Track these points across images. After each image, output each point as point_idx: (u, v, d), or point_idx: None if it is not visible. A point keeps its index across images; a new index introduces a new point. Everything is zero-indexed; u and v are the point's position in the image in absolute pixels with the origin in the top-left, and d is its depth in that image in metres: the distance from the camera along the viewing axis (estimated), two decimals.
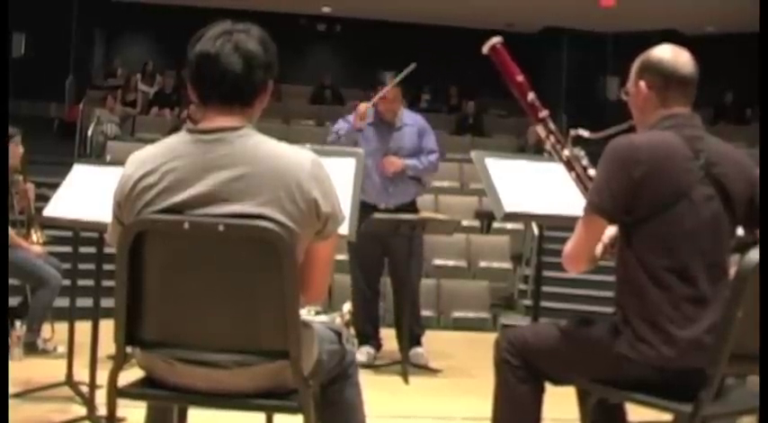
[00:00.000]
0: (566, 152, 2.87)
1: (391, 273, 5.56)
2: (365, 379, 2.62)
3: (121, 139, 12.13)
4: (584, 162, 2.84)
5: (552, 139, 2.92)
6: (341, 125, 5.43)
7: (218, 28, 2.20)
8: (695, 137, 2.49)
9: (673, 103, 2.54)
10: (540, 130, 2.97)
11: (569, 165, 2.86)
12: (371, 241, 5.12)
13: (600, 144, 2.59)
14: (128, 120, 13.36)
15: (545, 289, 4.60)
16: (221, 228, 2.05)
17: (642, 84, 2.58)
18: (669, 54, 2.57)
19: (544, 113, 2.98)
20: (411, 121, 5.51)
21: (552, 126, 2.96)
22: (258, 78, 2.19)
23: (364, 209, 5.26)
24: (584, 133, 2.87)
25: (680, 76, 2.54)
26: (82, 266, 4.27)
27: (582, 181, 2.81)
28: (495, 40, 3.06)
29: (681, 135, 2.48)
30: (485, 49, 3.06)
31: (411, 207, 5.48)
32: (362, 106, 5.31)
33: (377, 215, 5.23)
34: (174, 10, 15.81)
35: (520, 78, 3.02)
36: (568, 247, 2.51)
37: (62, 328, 4.64)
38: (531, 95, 3.00)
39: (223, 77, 2.16)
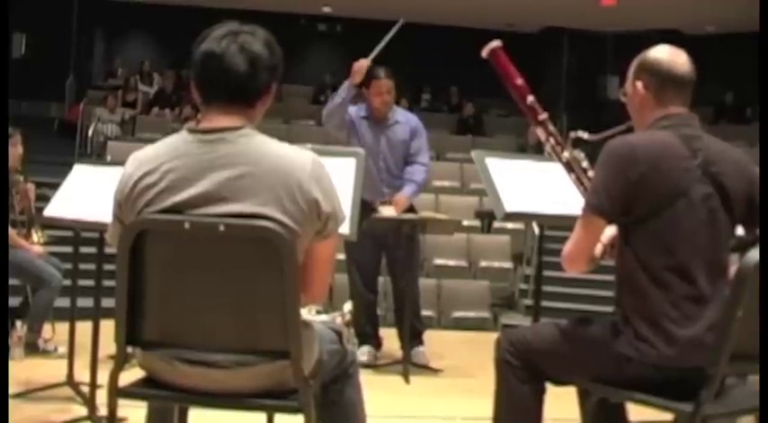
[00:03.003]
0: (565, 154, 2.88)
1: (390, 272, 5.56)
2: (366, 379, 2.62)
3: (122, 139, 12.14)
4: (584, 164, 2.85)
5: (552, 141, 2.92)
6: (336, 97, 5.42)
7: (225, 28, 2.20)
8: (692, 136, 2.49)
9: (669, 104, 2.54)
10: (540, 132, 2.98)
11: (569, 167, 2.86)
12: (367, 242, 5.12)
13: (600, 145, 2.59)
14: (128, 120, 13.37)
15: (546, 288, 4.59)
16: (222, 227, 2.05)
17: (639, 84, 2.58)
18: (666, 55, 2.58)
19: (543, 116, 2.98)
20: (404, 119, 5.53)
21: (552, 128, 2.96)
22: (261, 80, 2.19)
23: (362, 206, 5.27)
24: (584, 135, 2.87)
25: (676, 77, 2.55)
26: (82, 266, 4.27)
27: (582, 183, 2.82)
28: (494, 43, 3.06)
29: (678, 135, 2.48)
30: (484, 52, 3.07)
31: (408, 207, 5.47)
32: (360, 63, 5.29)
33: (377, 215, 5.23)
34: (174, 10, 15.84)
35: (519, 81, 3.03)
36: (567, 247, 2.51)
37: (63, 328, 4.64)
38: (530, 98, 3.01)
39: (226, 77, 2.16)
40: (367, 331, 5.50)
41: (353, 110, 5.49)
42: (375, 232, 5.13)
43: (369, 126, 5.44)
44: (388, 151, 5.43)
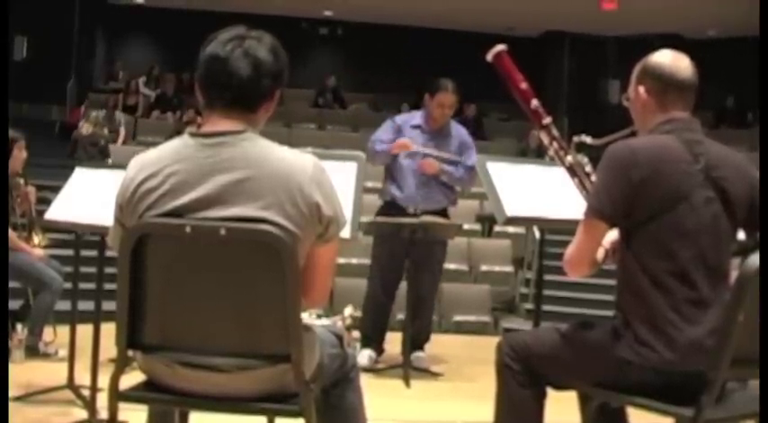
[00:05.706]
0: (569, 158, 2.88)
1: (409, 277, 5.49)
2: (366, 382, 2.62)
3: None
4: (588, 168, 2.85)
5: (555, 145, 2.92)
6: (381, 140, 5.39)
7: (232, 32, 2.21)
8: (694, 141, 2.49)
9: (671, 108, 2.55)
10: (544, 136, 2.98)
11: (572, 171, 2.86)
12: (395, 245, 5.14)
13: (603, 150, 2.59)
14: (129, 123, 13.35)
15: (546, 292, 4.59)
16: (223, 231, 2.06)
17: (641, 89, 2.59)
18: (668, 59, 2.58)
19: (547, 120, 2.98)
20: (455, 132, 5.50)
21: (555, 132, 2.96)
22: (264, 86, 2.19)
23: (395, 209, 5.28)
24: (588, 139, 2.87)
25: (678, 82, 2.55)
26: (83, 269, 4.27)
27: (585, 187, 2.81)
28: (500, 47, 3.06)
29: (680, 139, 2.48)
30: (489, 56, 3.07)
31: (440, 215, 5.44)
32: (406, 145, 5.29)
33: (377, 218, 5.23)
34: (175, 14, 15.88)
35: (524, 85, 3.03)
36: (569, 251, 2.51)
37: (64, 331, 4.64)
38: (534, 102, 3.01)
39: (229, 81, 2.16)
40: (372, 335, 5.46)
41: (403, 118, 5.51)
42: (403, 235, 5.13)
43: (419, 135, 5.40)
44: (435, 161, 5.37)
